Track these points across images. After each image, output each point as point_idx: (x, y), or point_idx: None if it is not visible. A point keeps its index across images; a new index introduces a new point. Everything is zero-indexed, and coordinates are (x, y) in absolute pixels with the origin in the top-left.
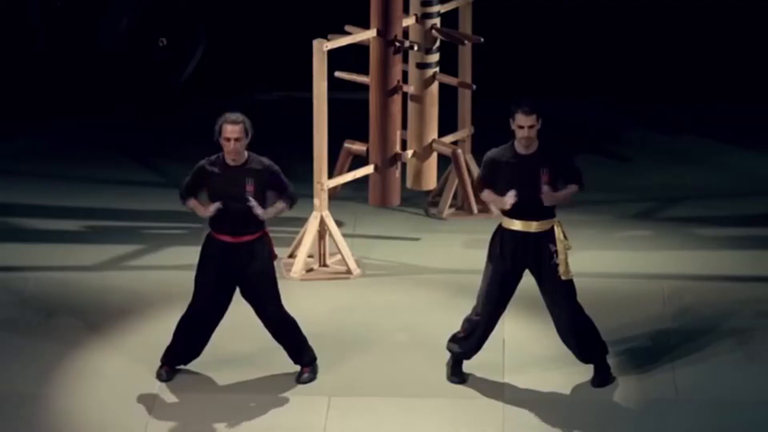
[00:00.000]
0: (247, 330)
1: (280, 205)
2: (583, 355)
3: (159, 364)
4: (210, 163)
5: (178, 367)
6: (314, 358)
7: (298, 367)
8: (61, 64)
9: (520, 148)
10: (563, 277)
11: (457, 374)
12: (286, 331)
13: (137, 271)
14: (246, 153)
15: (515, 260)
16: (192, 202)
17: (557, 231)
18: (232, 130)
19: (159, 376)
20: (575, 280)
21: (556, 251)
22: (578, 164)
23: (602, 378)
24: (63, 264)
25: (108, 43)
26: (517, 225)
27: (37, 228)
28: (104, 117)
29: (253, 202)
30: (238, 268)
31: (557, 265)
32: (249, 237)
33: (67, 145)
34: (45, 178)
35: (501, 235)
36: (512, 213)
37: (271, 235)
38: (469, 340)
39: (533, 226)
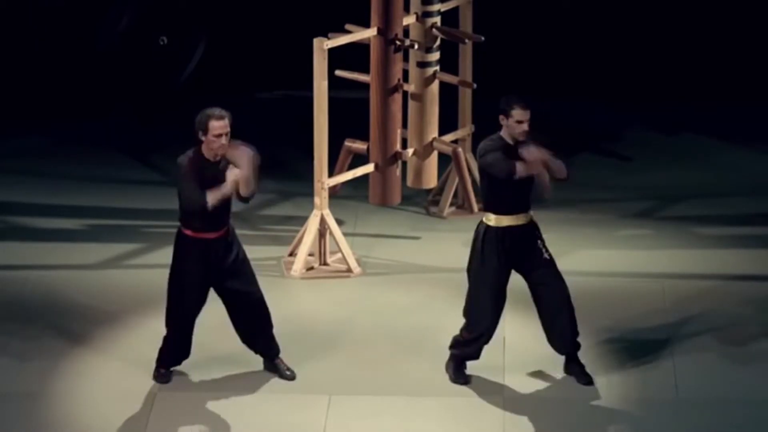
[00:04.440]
0: None
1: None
2: (573, 336)
3: (155, 365)
4: (190, 159)
5: (173, 368)
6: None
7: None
8: (61, 63)
9: (510, 140)
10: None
11: (462, 376)
12: (264, 316)
13: (137, 270)
14: None
15: (508, 256)
16: (214, 194)
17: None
18: (222, 125)
19: (157, 378)
20: (569, 279)
21: (541, 238)
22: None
23: (584, 371)
24: (63, 263)
25: (109, 41)
26: (506, 221)
27: (36, 227)
28: (104, 116)
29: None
30: (220, 261)
31: (541, 249)
32: (226, 228)
33: (67, 144)
34: (45, 177)
35: (493, 234)
36: (507, 209)
37: (271, 234)
38: (477, 342)
39: (522, 219)
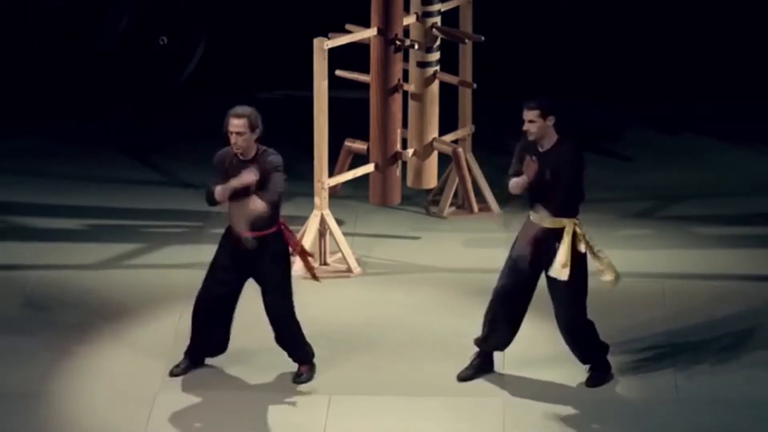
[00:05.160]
0: (247, 329)
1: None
2: (581, 357)
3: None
4: (224, 153)
5: (201, 360)
6: (312, 355)
7: (297, 366)
8: (61, 62)
9: (532, 141)
10: (553, 275)
11: (469, 368)
12: (284, 331)
13: (138, 270)
14: (256, 147)
15: (526, 246)
16: (221, 187)
17: (567, 230)
18: (235, 124)
19: (173, 370)
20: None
21: (557, 250)
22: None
23: (597, 378)
24: (63, 263)
25: (109, 41)
26: (534, 217)
27: (37, 227)
28: (104, 116)
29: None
30: (250, 261)
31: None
32: (261, 232)
33: (67, 144)
34: (45, 177)
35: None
36: (532, 205)
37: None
38: (491, 334)
39: (546, 222)
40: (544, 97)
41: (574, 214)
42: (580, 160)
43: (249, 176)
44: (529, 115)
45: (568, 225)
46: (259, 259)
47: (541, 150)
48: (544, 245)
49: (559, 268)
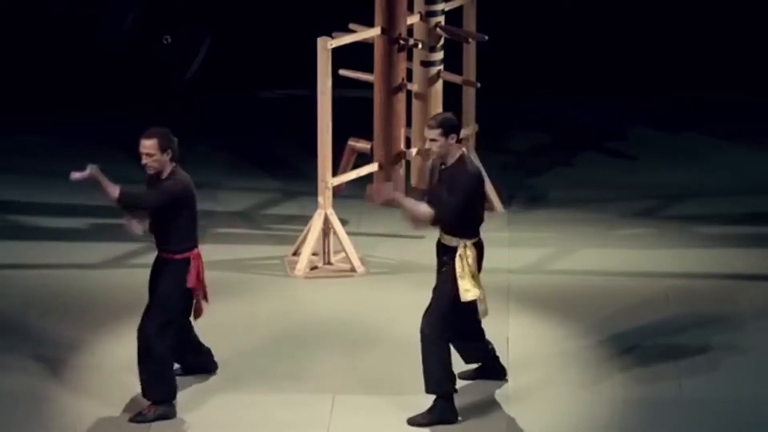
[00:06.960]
0: (247, 328)
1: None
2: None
3: None
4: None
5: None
6: (163, 400)
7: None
8: (63, 62)
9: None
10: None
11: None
12: (142, 353)
13: (138, 270)
14: (171, 169)
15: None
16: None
17: (459, 253)
18: (145, 145)
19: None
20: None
21: (448, 267)
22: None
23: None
24: (65, 262)
25: (112, 40)
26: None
27: (39, 226)
28: (108, 114)
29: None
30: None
31: (438, 279)
32: (164, 254)
33: (67, 144)
34: (45, 177)
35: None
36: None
37: (274, 233)
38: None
39: (443, 238)
40: (445, 116)
41: (469, 236)
42: (471, 181)
43: (111, 191)
44: (430, 133)
45: (460, 247)
46: (156, 277)
47: (443, 167)
48: (438, 259)
49: (463, 291)
